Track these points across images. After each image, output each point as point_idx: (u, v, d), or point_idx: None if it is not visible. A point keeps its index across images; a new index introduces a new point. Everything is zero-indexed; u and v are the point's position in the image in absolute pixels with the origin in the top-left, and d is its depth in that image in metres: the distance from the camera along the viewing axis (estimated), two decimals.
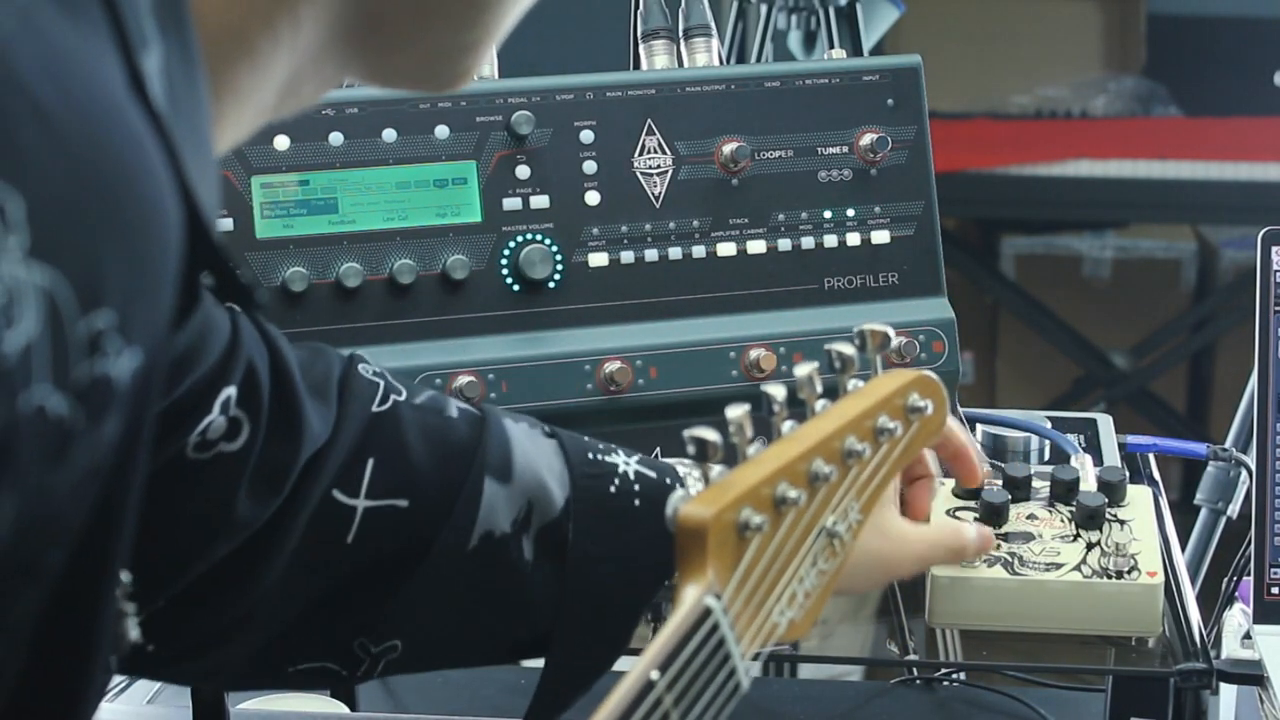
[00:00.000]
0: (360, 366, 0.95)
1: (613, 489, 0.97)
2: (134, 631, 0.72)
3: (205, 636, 0.91)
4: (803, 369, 0.85)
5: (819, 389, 0.85)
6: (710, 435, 0.75)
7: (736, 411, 0.78)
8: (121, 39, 0.57)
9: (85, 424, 0.54)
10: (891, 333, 0.91)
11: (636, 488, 0.97)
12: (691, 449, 0.75)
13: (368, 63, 0.71)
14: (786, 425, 0.83)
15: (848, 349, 0.88)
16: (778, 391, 0.82)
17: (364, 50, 0.70)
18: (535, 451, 0.97)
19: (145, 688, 1.49)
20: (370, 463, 0.92)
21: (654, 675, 0.70)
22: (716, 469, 0.76)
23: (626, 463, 0.99)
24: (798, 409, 0.86)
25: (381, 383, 0.95)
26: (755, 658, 0.78)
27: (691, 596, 0.73)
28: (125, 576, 0.65)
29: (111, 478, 0.58)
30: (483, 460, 0.94)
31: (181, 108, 0.60)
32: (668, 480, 0.99)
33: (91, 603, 0.61)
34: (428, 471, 0.94)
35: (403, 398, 0.95)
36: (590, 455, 0.98)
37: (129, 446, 0.58)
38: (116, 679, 1.50)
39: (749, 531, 0.76)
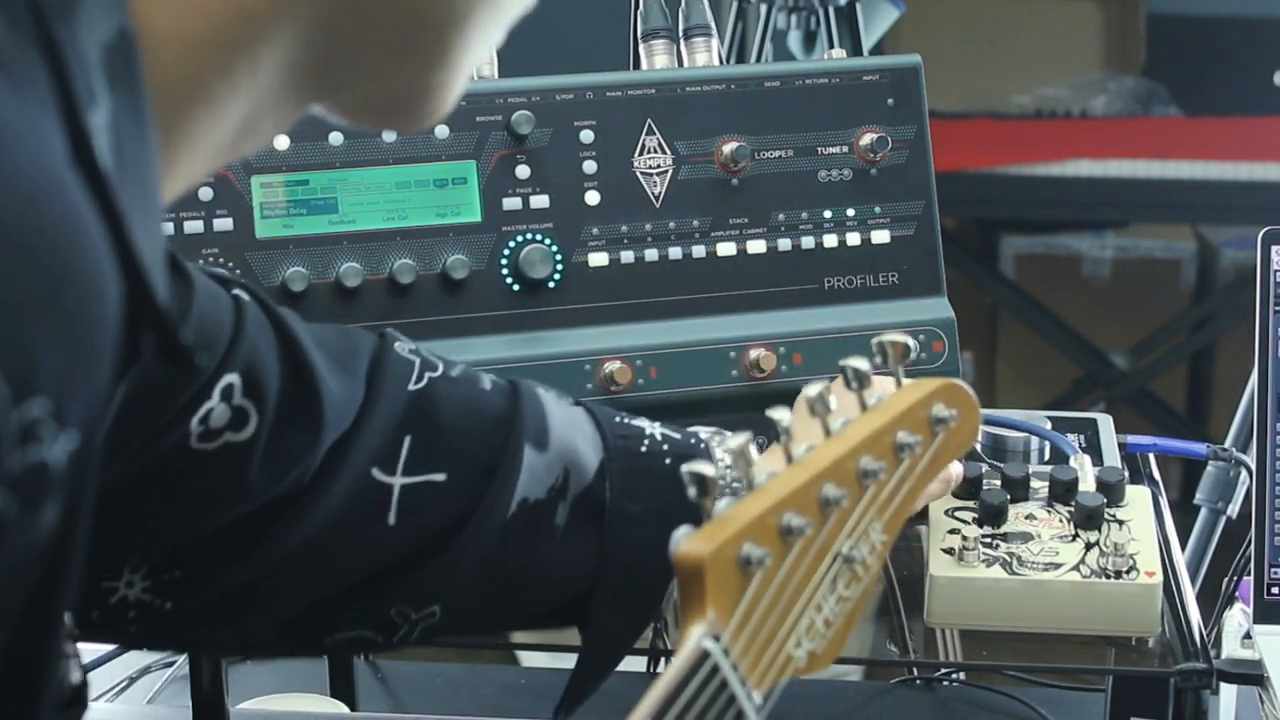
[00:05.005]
0: (396, 345, 0.97)
1: (643, 449, 1.00)
2: (75, 674, 0.71)
3: (225, 596, 0.91)
4: (812, 389, 0.79)
5: (831, 407, 0.79)
6: (708, 470, 0.71)
7: (737, 441, 0.73)
8: (66, 97, 0.56)
9: (19, 512, 0.52)
10: (912, 343, 0.85)
11: (665, 447, 1.01)
12: (692, 490, 0.71)
13: (334, 99, 0.70)
14: (800, 449, 0.78)
15: (863, 364, 0.80)
16: (783, 416, 0.77)
17: (325, 89, 0.68)
18: (567, 419, 1.00)
19: (146, 687, 1.49)
20: (407, 440, 0.95)
21: None
22: (722, 501, 0.73)
23: (652, 426, 1.02)
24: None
25: (417, 360, 0.98)
26: (768, 695, 0.73)
27: (690, 639, 0.70)
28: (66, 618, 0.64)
29: (53, 553, 0.57)
30: (520, 429, 0.97)
31: (129, 164, 0.58)
32: (693, 441, 1.02)
33: (35, 667, 0.60)
34: (465, 444, 0.96)
35: (438, 374, 0.98)
36: (618, 420, 1.02)
37: (69, 523, 0.57)
38: (119, 678, 1.51)
39: (751, 566, 0.72)
